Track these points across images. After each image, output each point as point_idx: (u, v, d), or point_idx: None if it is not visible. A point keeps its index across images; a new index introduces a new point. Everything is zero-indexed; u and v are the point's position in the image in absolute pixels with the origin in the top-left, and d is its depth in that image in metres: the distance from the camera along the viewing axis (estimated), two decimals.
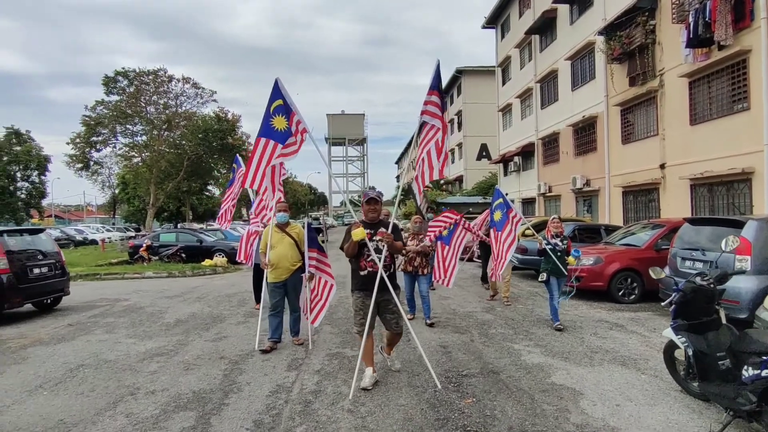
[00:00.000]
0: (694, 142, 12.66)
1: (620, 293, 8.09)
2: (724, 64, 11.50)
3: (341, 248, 4.24)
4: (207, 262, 16.15)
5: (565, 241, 6.46)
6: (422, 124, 4.54)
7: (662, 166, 13.96)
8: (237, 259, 8.54)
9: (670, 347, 3.92)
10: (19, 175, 43.92)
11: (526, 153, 24.77)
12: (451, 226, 7.16)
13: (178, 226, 40.27)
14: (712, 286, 3.42)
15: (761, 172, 10.51)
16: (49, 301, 8.36)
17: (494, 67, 30.29)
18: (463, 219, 7.46)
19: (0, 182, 41.18)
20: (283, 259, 5.32)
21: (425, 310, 6.63)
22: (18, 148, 43.74)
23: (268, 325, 5.45)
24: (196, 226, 35.21)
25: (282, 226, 5.49)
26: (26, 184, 45.53)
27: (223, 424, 3.49)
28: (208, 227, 27.05)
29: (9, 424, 3.57)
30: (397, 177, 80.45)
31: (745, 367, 2.98)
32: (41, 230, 8.79)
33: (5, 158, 41.97)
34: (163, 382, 4.42)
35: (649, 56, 14.36)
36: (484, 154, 39.35)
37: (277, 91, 4.61)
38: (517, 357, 5.01)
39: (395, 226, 4.27)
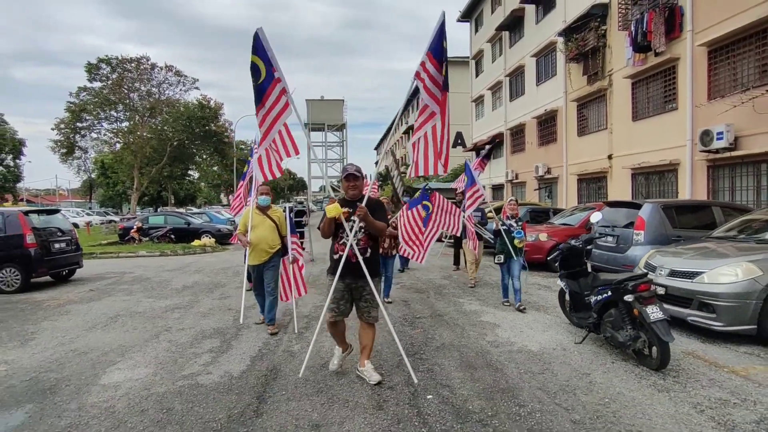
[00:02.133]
0: (635, 136, 14.40)
1: (556, 264, 9.72)
2: (659, 69, 13.18)
3: (318, 228, 3.90)
4: (196, 242, 17.30)
5: (519, 223, 6.56)
6: (416, 90, 3.85)
7: (609, 157, 15.71)
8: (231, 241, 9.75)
9: (562, 292, 5.48)
10: None
11: (497, 142, 26.40)
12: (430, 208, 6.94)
13: (158, 210, 40.82)
14: (581, 246, 4.97)
15: (685, 164, 12.29)
16: (65, 272, 9.52)
17: (468, 59, 31.64)
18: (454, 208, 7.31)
19: None
20: (262, 241, 5.25)
21: (385, 289, 6.66)
22: None
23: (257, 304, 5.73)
24: (178, 210, 35.91)
25: (263, 209, 5.43)
26: (0, 168, 45.19)
27: (241, 345, 4.89)
28: (188, 211, 27.89)
29: (83, 347, 4.90)
30: (376, 163, 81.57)
31: (592, 296, 4.54)
32: (57, 210, 9.91)
33: None
34: (188, 323, 5.80)
35: (601, 58, 15.98)
36: (459, 141, 40.83)
37: (260, 47, 3.90)
38: (460, 306, 6.55)
39: (379, 203, 3.93)
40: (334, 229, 3.75)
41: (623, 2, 14.24)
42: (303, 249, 6.25)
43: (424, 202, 6.28)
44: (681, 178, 12.51)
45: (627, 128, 14.81)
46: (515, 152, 24.16)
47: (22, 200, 59.06)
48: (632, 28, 13.51)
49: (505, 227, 6.47)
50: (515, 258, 6.38)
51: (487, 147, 20.76)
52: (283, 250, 5.47)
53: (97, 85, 26.31)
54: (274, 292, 5.40)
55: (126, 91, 26.87)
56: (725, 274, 4.80)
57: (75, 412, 3.37)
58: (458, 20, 31.70)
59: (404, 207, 6.78)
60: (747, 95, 10.16)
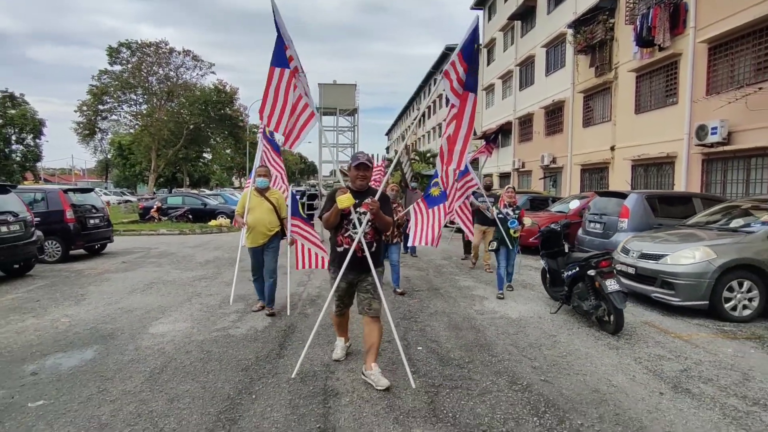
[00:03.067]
0: (637, 128, 14.84)
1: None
2: (662, 63, 13.57)
3: (319, 217, 3.76)
4: (213, 222, 18.22)
5: (517, 211, 6.56)
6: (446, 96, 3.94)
7: (612, 148, 16.17)
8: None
9: (544, 270, 6.18)
10: (14, 138, 44.83)
11: (505, 131, 26.79)
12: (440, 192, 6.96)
13: (173, 191, 42.00)
14: (559, 229, 5.65)
15: (681, 157, 12.77)
16: (97, 246, 10.43)
17: (481, 47, 31.83)
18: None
19: None
20: (259, 223, 5.23)
21: (394, 279, 6.64)
22: (13, 111, 44.49)
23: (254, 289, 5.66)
24: (192, 191, 36.96)
25: (261, 191, 5.37)
26: (21, 147, 46.56)
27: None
28: (201, 193, 28.88)
29: (128, 306, 5.75)
30: (387, 149, 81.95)
31: (565, 271, 5.25)
32: (92, 189, 10.79)
33: (0, 121, 42.86)
34: (216, 290, 6.63)
35: (608, 51, 16.33)
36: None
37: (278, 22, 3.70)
38: (455, 282, 7.30)
39: (385, 196, 3.71)
40: (338, 221, 3.55)
41: None
42: (316, 237, 5.84)
43: (435, 180, 6.19)
44: (678, 170, 13.00)
45: (630, 121, 15.25)
46: (523, 141, 24.59)
47: (41, 179, 60.76)
48: (638, 23, 13.86)
49: (501, 215, 6.50)
50: (511, 247, 6.40)
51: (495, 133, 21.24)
52: (283, 233, 5.44)
53: (117, 68, 27.16)
54: (273, 274, 5.39)
55: (145, 74, 27.69)
56: (685, 256, 5.47)
57: (133, 351, 4.20)
58: (471, 8, 31.86)
59: (421, 201, 6.58)
60: (741, 92, 10.60)
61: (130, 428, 2.84)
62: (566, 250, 5.66)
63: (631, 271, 6.06)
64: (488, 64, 30.43)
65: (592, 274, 4.70)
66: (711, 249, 5.39)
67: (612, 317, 4.61)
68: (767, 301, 5.31)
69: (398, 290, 6.56)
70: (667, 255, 5.64)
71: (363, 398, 3.28)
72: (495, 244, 6.48)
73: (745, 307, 5.32)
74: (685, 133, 12.53)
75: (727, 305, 5.30)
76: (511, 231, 6.38)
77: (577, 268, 4.97)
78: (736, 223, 6.08)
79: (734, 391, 3.41)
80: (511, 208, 6.54)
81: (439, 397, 3.28)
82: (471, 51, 3.71)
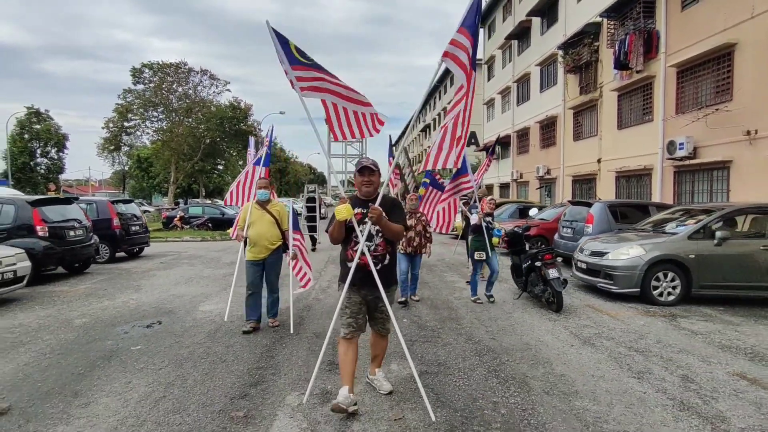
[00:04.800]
0: (619, 143, 16.17)
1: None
2: (639, 84, 14.94)
3: (326, 231, 3.43)
4: (231, 230, 19.76)
5: (495, 220, 7.04)
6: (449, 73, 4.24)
7: (599, 161, 17.50)
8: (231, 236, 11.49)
9: (512, 265, 7.55)
10: (39, 151, 47.15)
11: (504, 143, 28.22)
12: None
13: (188, 202, 43.90)
14: (520, 231, 7.02)
15: (657, 169, 14.07)
16: (136, 250, 11.97)
17: (482, 62, 33.39)
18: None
19: (22, 158, 44.49)
20: (261, 237, 5.11)
21: (411, 287, 6.68)
22: (38, 126, 46.85)
23: (245, 308, 5.30)
24: (207, 201, 38.72)
25: (262, 204, 5.25)
26: (45, 160, 48.83)
27: (284, 295, 7.12)
28: (214, 203, 30.53)
29: (177, 294, 7.22)
30: (392, 146, 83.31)
31: (523, 264, 6.62)
32: (133, 200, 12.37)
33: (26, 136, 45.23)
34: (244, 283, 8.07)
35: (593, 71, 17.74)
36: (473, 141, 42.68)
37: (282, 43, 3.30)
38: (443, 278, 8.68)
39: (395, 202, 3.42)
40: (345, 233, 3.23)
41: (611, 23, 15.99)
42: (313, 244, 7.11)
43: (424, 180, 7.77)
44: (654, 181, 14.29)
45: (613, 136, 16.59)
46: (520, 153, 25.96)
47: (55, 190, 63.20)
48: (616, 48, 15.28)
49: (484, 224, 6.77)
50: (490, 254, 6.71)
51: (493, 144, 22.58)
52: (285, 246, 5.34)
53: (140, 87, 29.10)
54: (276, 289, 5.33)
55: (165, 93, 29.61)
56: (622, 253, 6.83)
57: (191, 320, 5.65)
58: None
59: (423, 204, 7.78)
60: (702, 112, 11.94)
61: (203, 360, 4.27)
62: (526, 249, 7.02)
63: (583, 266, 7.41)
64: (488, 79, 31.95)
65: (539, 265, 6.07)
66: (641, 247, 6.74)
67: (555, 298, 5.97)
68: (687, 289, 6.63)
69: (414, 297, 6.74)
70: (608, 252, 7.00)
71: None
72: (483, 254, 6.66)
73: (669, 293, 6.64)
74: (659, 148, 13.84)
75: (654, 292, 6.63)
76: (494, 240, 6.75)
77: (529, 261, 6.35)
78: (669, 227, 7.41)
79: (626, 345, 4.77)
80: (489, 217, 6.95)
81: (414, 347, 4.66)
82: (474, 25, 3.36)
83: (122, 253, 11.55)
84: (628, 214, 9.54)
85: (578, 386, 3.71)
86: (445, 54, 3.34)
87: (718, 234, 6.55)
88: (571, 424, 3.08)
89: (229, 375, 3.90)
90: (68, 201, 9.32)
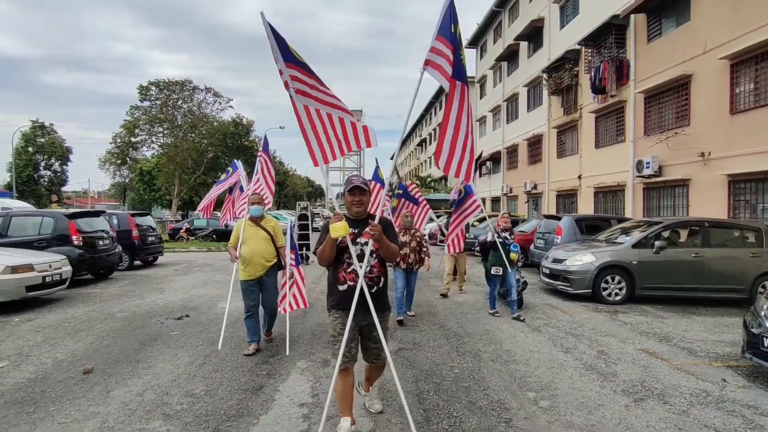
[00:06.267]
0: (597, 161, 17.49)
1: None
2: (613, 108, 16.30)
3: (314, 252, 3.31)
4: None
5: (512, 235, 7.07)
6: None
7: (579, 177, 18.81)
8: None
9: (486, 271, 8.72)
10: (42, 164, 48.35)
11: (495, 159, 29.61)
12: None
13: (188, 214, 45.02)
14: (491, 241, 8.21)
15: (629, 186, 15.35)
16: (151, 258, 13.11)
17: (474, 81, 34.93)
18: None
19: (26, 171, 45.70)
20: (256, 255, 4.90)
21: (408, 303, 6.76)
22: (42, 140, 48.13)
23: (246, 330, 5.10)
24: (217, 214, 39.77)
25: (256, 220, 5.04)
26: (48, 173, 50.00)
27: None
28: (214, 215, 31.62)
29: (197, 295, 8.37)
30: (396, 171, 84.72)
31: (492, 269, 7.81)
32: (149, 213, 13.54)
33: (30, 149, 46.48)
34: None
35: (574, 94, 19.14)
36: None
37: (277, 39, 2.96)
38: (427, 282, 9.86)
39: (387, 221, 3.25)
40: (335, 254, 3.03)
41: (588, 51, 17.43)
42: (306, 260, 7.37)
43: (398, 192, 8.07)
44: (627, 197, 15.57)
45: (591, 154, 17.92)
46: (510, 169, 27.30)
47: (56, 202, 64.34)
48: (592, 74, 16.69)
49: (500, 239, 6.81)
50: (509, 270, 6.76)
51: (478, 162, 23.91)
52: (280, 263, 5.18)
53: (146, 104, 30.47)
54: (273, 305, 5.17)
55: (171, 109, 30.98)
56: (576, 259, 8.04)
57: (213, 315, 6.80)
58: (466, 47, 35.09)
59: (394, 215, 8.07)
60: (665, 135, 13.26)
61: (229, 341, 5.41)
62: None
63: (547, 271, 8.62)
64: (481, 98, 33.47)
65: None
66: (593, 254, 7.96)
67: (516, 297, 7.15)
68: (632, 290, 7.82)
69: (410, 313, 6.74)
70: (566, 259, 8.21)
71: None
72: (500, 269, 6.77)
73: (616, 294, 7.83)
74: (630, 166, 15.13)
75: (604, 292, 7.83)
76: (512, 255, 6.80)
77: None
78: (620, 237, 8.62)
79: (565, 331, 5.95)
80: (507, 233, 6.98)
81: (396, 332, 5.82)
82: (450, 32, 3.06)
83: (138, 262, 12.68)
84: (593, 226, 10.76)
85: (517, 357, 4.88)
86: (426, 62, 3.07)
87: (656, 244, 7.77)
88: (503, 378, 4.25)
89: None
90: (97, 214, 10.50)
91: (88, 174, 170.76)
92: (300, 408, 3.61)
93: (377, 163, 8.66)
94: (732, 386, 4.13)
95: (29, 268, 6.94)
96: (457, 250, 8.16)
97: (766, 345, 4.03)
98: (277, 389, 3.99)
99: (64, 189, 75.74)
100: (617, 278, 7.84)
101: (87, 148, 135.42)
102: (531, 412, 3.56)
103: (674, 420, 3.44)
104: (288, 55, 2.99)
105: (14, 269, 6.73)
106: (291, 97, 3.04)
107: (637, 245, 7.93)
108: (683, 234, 8.80)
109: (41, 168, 48.72)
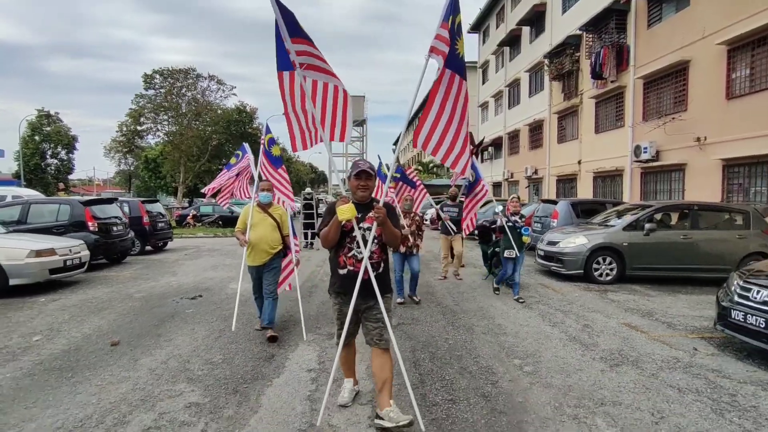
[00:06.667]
0: (597, 146, 17.70)
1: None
2: (612, 93, 16.47)
3: (317, 232, 3.24)
4: None
5: (523, 219, 7.01)
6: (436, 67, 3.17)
7: (579, 162, 19.03)
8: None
9: (483, 252, 9.10)
10: (49, 153, 48.82)
11: (497, 144, 29.78)
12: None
13: (192, 201, 45.59)
14: (489, 226, 8.58)
15: (627, 170, 15.60)
16: (161, 244, 13.57)
17: (477, 66, 34.86)
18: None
19: (34, 160, 46.19)
20: (262, 241, 4.97)
21: (412, 287, 6.76)
22: (48, 128, 48.52)
23: (255, 308, 5.39)
24: (212, 201, 40.27)
25: (264, 207, 5.12)
26: (55, 161, 50.50)
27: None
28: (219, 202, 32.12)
29: (208, 277, 8.80)
30: (398, 159, 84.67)
31: (488, 251, 8.19)
32: (157, 200, 13.97)
33: (37, 138, 46.92)
34: None
35: (574, 80, 19.26)
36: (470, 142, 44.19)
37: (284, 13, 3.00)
38: (427, 265, 10.24)
39: (390, 207, 3.25)
40: (338, 238, 3.07)
41: (589, 36, 17.51)
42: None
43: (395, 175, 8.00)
44: (625, 181, 15.83)
45: (591, 139, 18.13)
46: (512, 154, 27.49)
47: (63, 190, 65.00)
48: (592, 59, 16.81)
49: (510, 224, 6.83)
50: (518, 254, 6.79)
51: (477, 146, 24.09)
52: (285, 250, 5.24)
53: (151, 92, 30.73)
54: (274, 293, 5.14)
55: (175, 97, 31.22)
56: (569, 242, 8.39)
57: (224, 295, 7.23)
58: (468, 32, 34.93)
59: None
60: (662, 120, 13.47)
61: (241, 317, 5.83)
62: (493, 239, 8.58)
63: (542, 253, 8.99)
64: (483, 83, 33.47)
65: (498, 250, 7.63)
66: (585, 237, 8.31)
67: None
68: (622, 271, 8.18)
69: (416, 299, 6.69)
70: (560, 242, 8.57)
71: None
72: (513, 252, 6.75)
73: (607, 274, 8.20)
74: (629, 151, 15.37)
75: (595, 273, 8.19)
76: (524, 238, 6.79)
77: (491, 248, 7.92)
78: (613, 221, 8.95)
79: (555, 308, 6.34)
80: (517, 216, 6.95)
81: (396, 311, 6.23)
82: (451, 20, 3.03)
83: (149, 247, 13.15)
84: (589, 210, 11.08)
85: (508, 330, 5.28)
86: (431, 49, 3.07)
87: (646, 226, 8.11)
88: (493, 348, 4.66)
89: None
90: (110, 201, 10.92)
91: (90, 161, 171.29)
92: (308, 373, 4.03)
93: (380, 159, 9.03)
94: (702, 354, 4.52)
95: (52, 252, 7.37)
96: (469, 230, 8.21)
97: (733, 316, 4.40)
98: (288, 357, 4.41)
99: (70, 177, 76.43)
100: (608, 259, 8.20)
101: (89, 136, 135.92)
102: (515, 376, 3.96)
103: (643, 381, 3.83)
104: (294, 29, 3.03)
105: (38, 253, 7.16)
106: (299, 72, 3.16)
107: (627, 228, 8.27)
108: (674, 217, 9.12)
109: (48, 156, 49.20)
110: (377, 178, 3.21)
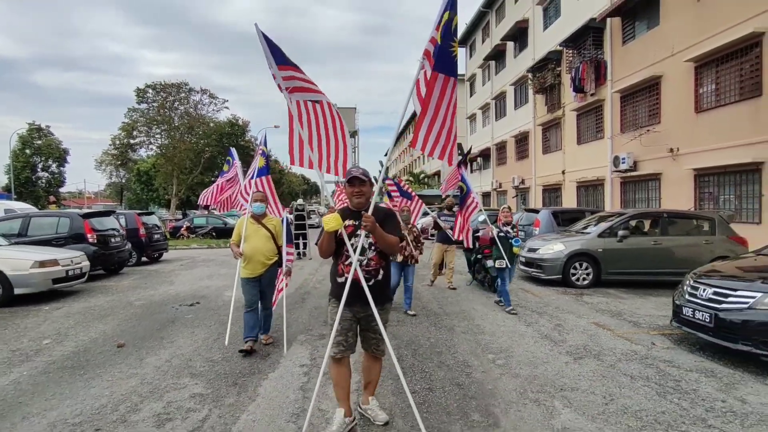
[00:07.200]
0: (579, 156, 18.37)
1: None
2: (592, 106, 17.17)
3: (316, 243, 3.12)
4: None
5: (514, 229, 7.01)
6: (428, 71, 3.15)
7: (563, 172, 19.68)
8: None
9: (467, 259, 9.56)
10: (40, 166, 48.76)
11: (485, 155, 30.47)
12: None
13: (186, 213, 45.76)
14: (492, 237, 9.05)
15: (607, 180, 16.23)
16: (156, 255, 13.87)
17: (464, 79, 35.70)
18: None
19: (24, 173, 46.14)
20: (257, 252, 4.93)
21: (406, 301, 6.71)
22: (39, 142, 48.54)
23: (243, 324, 5.07)
24: (205, 213, 40.53)
25: (258, 218, 5.07)
26: (45, 174, 50.41)
27: (292, 284, 9.09)
28: (211, 213, 32.28)
29: (204, 286, 9.16)
30: (387, 168, 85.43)
31: (472, 258, 8.65)
32: (152, 213, 14.30)
33: (28, 151, 46.92)
34: None
35: (557, 93, 19.99)
36: (459, 152, 44.99)
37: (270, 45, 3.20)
38: (416, 273, 10.66)
39: (389, 212, 3.27)
40: (335, 247, 3.11)
41: (569, 52, 18.27)
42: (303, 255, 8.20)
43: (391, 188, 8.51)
44: (606, 190, 16.46)
45: (574, 150, 18.80)
46: (499, 165, 28.17)
47: (53, 203, 64.79)
48: (573, 74, 17.54)
49: (502, 234, 6.84)
50: (509, 264, 6.76)
51: (465, 156, 24.69)
52: (280, 261, 5.20)
53: (143, 107, 31.11)
54: (269, 305, 5.22)
55: (168, 111, 31.61)
56: (548, 248, 8.89)
57: (221, 302, 7.60)
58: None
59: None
60: (638, 132, 14.14)
61: (237, 323, 6.19)
62: (476, 246, 9.04)
63: (523, 260, 9.47)
64: (471, 95, 34.28)
65: (480, 257, 8.10)
66: (563, 243, 8.82)
67: (491, 282, 7.99)
68: (598, 275, 8.68)
69: (410, 312, 6.59)
70: (539, 248, 9.06)
71: None
72: (504, 262, 6.72)
73: (584, 279, 8.70)
74: (609, 162, 16.01)
75: (573, 278, 8.68)
76: (514, 249, 6.80)
77: (473, 255, 8.39)
78: (589, 228, 9.48)
79: (531, 309, 6.80)
80: (509, 227, 6.96)
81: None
82: (443, 22, 3.00)
83: (145, 258, 13.45)
84: (569, 218, 11.62)
85: (485, 329, 5.73)
86: (425, 53, 3.09)
87: (620, 233, 8.64)
88: (470, 345, 5.10)
89: None
90: (108, 213, 11.26)
91: (81, 174, 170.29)
92: (301, 368, 4.44)
93: (381, 166, 9.34)
94: (658, 348, 4.99)
95: (55, 262, 7.71)
96: (467, 245, 8.33)
97: (684, 313, 4.89)
98: (282, 355, 4.82)
99: (60, 190, 75.86)
100: (585, 265, 8.70)
101: (80, 149, 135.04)
102: (488, 368, 4.40)
103: (602, 371, 4.29)
104: (280, 58, 3.20)
105: (42, 263, 7.51)
106: (286, 99, 3.34)
107: (602, 235, 8.80)
108: (647, 224, 9.67)
109: (39, 170, 49.13)
110: (373, 184, 3.19)
